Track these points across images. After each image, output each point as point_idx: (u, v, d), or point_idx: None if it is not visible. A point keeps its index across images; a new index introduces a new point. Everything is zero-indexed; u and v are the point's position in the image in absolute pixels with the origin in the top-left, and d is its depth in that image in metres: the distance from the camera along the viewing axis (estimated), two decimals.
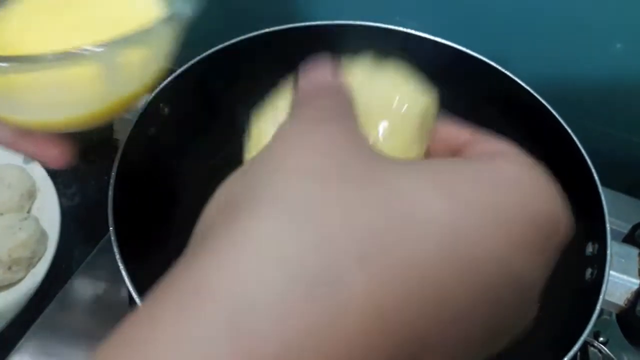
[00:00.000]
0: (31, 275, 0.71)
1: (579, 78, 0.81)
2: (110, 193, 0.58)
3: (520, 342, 0.62)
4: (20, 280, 0.71)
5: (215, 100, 0.72)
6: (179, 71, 0.66)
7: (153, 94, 0.64)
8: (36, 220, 0.73)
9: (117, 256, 0.54)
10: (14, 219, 0.72)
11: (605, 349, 0.68)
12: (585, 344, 0.59)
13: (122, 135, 0.62)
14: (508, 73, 0.68)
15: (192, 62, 0.67)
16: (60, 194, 0.75)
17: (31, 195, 0.77)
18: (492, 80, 0.69)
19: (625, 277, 0.59)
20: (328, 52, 0.74)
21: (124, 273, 0.53)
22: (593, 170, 0.62)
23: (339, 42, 0.75)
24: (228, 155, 0.77)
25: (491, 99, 0.71)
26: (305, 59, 0.74)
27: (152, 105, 0.64)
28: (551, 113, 0.66)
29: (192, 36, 0.96)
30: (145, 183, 0.64)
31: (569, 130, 0.64)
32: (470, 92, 0.72)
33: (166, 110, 0.66)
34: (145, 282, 0.55)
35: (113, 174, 0.59)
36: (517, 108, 0.69)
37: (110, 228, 0.56)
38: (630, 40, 0.76)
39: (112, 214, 0.56)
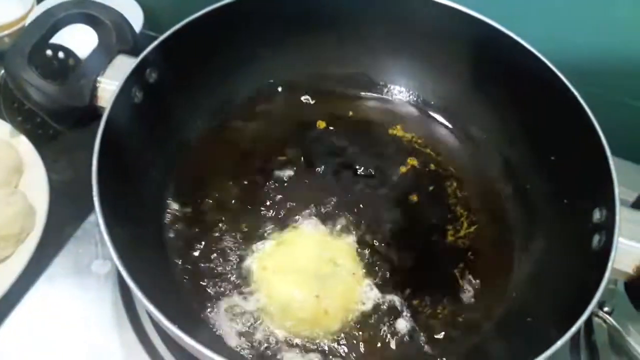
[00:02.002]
0: (19, 252, 0.67)
1: (587, 45, 0.77)
2: (95, 163, 0.53)
3: (522, 313, 0.60)
4: (8, 257, 0.66)
5: (202, 64, 0.68)
6: (165, 35, 0.62)
7: (139, 59, 0.59)
8: (23, 195, 0.69)
9: (102, 227, 0.50)
10: (1, 195, 0.68)
11: (610, 319, 0.65)
12: (590, 314, 0.56)
13: (106, 102, 0.57)
14: (519, 39, 0.65)
15: (179, 26, 0.62)
16: (49, 167, 0.71)
17: (18, 169, 0.72)
18: (502, 46, 0.66)
19: (634, 243, 0.55)
20: (313, 16, 0.71)
21: (110, 247, 0.49)
22: (602, 137, 0.58)
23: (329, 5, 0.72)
24: (219, 121, 0.74)
25: (501, 65, 0.68)
26: (286, 22, 0.70)
27: (138, 71, 0.59)
28: (562, 80, 0.62)
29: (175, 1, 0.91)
30: (131, 151, 0.60)
31: (579, 97, 0.61)
32: (479, 58, 0.70)
33: (153, 75, 0.62)
34: (133, 255, 0.52)
35: (97, 141, 0.54)
36: (527, 75, 0.65)
37: (95, 199, 0.51)
38: (636, 6, 0.72)
39: (96, 186, 0.52)
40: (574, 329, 0.49)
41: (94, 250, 0.67)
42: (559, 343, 0.49)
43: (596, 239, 0.56)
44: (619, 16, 0.73)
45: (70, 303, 0.64)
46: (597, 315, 0.65)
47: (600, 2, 0.73)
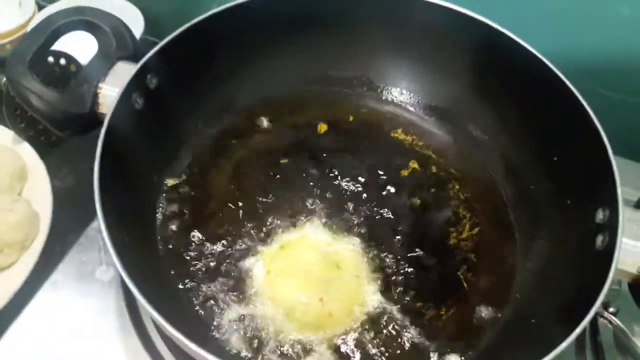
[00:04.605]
0: (23, 259, 0.66)
1: (589, 45, 0.76)
2: (96, 169, 0.53)
3: (526, 315, 0.59)
4: (12, 264, 0.66)
5: (203, 69, 0.68)
6: (165, 41, 0.61)
7: (139, 65, 0.59)
8: (27, 202, 0.68)
9: (105, 233, 0.49)
10: (5, 201, 0.67)
11: (616, 319, 0.64)
12: (595, 315, 0.55)
13: (107, 109, 0.57)
14: (519, 39, 0.64)
15: (178, 32, 0.62)
16: (52, 174, 0.71)
17: (22, 176, 0.71)
18: (502, 47, 0.65)
19: (638, 243, 0.54)
20: (312, 19, 0.70)
21: (113, 253, 0.49)
22: (604, 136, 0.57)
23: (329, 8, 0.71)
24: (220, 125, 0.73)
25: (501, 66, 0.67)
26: (286, 26, 0.69)
27: (138, 77, 0.59)
28: (563, 81, 0.61)
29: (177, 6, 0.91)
30: (133, 157, 0.60)
31: (580, 97, 0.60)
32: (479, 59, 0.69)
33: (154, 81, 0.61)
34: (136, 261, 0.51)
35: (98, 150, 0.54)
36: (527, 75, 0.64)
37: (97, 205, 0.51)
38: (637, 4, 0.71)
39: (98, 193, 0.52)
40: (578, 330, 0.49)
41: (98, 257, 0.66)
42: (564, 344, 0.48)
43: (599, 239, 0.56)
44: (619, 15, 0.72)
45: (74, 309, 0.63)
46: (602, 316, 0.64)
47: (601, 1, 0.72)
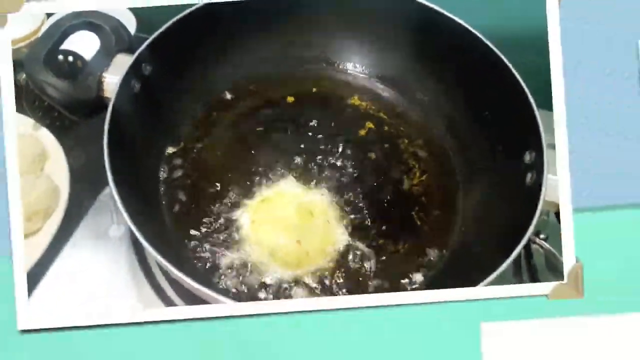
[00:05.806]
0: (48, 225, 0.75)
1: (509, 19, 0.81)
2: (105, 142, 0.63)
3: (471, 244, 0.69)
4: (38, 229, 0.75)
5: (187, 58, 0.77)
6: (154, 35, 0.70)
7: (134, 56, 0.69)
8: (49, 177, 0.79)
9: (115, 195, 0.60)
10: (30, 179, 0.77)
11: (546, 244, 0.70)
12: (528, 241, 0.61)
13: (110, 94, 0.67)
14: (449, 14, 0.73)
15: (164, 27, 0.71)
16: (67, 154, 0.81)
17: (43, 157, 0.81)
18: (439, 23, 0.74)
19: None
20: (303, 14, 0.82)
21: (123, 210, 0.59)
22: (528, 94, 0.67)
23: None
24: (207, 104, 0.83)
25: (439, 39, 0.76)
26: (255, 20, 0.80)
27: (135, 66, 0.69)
28: (491, 48, 0.71)
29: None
30: (135, 132, 0.70)
31: (507, 62, 0.70)
32: (419, 35, 0.79)
33: (148, 68, 0.71)
34: (141, 216, 0.61)
35: (106, 126, 0.64)
36: (459, 46, 0.74)
37: (108, 173, 0.61)
38: None
39: (108, 163, 0.62)
40: (514, 254, 0.58)
41: (109, 218, 0.76)
42: (503, 266, 0.57)
43: (529, 176, 0.65)
44: None
45: (92, 263, 0.73)
46: (535, 242, 0.70)
47: None
